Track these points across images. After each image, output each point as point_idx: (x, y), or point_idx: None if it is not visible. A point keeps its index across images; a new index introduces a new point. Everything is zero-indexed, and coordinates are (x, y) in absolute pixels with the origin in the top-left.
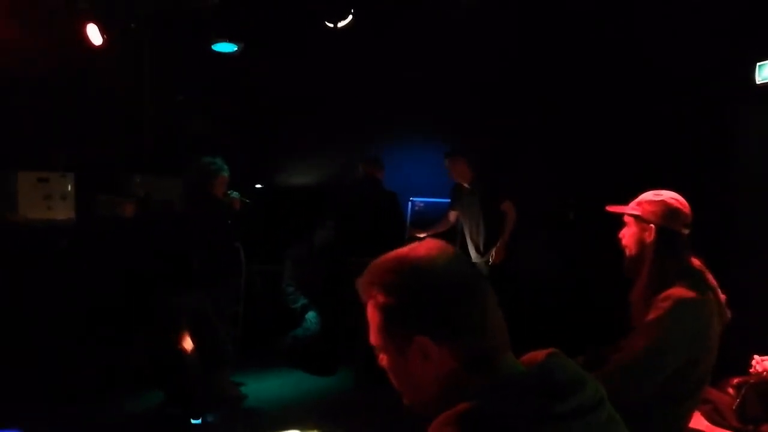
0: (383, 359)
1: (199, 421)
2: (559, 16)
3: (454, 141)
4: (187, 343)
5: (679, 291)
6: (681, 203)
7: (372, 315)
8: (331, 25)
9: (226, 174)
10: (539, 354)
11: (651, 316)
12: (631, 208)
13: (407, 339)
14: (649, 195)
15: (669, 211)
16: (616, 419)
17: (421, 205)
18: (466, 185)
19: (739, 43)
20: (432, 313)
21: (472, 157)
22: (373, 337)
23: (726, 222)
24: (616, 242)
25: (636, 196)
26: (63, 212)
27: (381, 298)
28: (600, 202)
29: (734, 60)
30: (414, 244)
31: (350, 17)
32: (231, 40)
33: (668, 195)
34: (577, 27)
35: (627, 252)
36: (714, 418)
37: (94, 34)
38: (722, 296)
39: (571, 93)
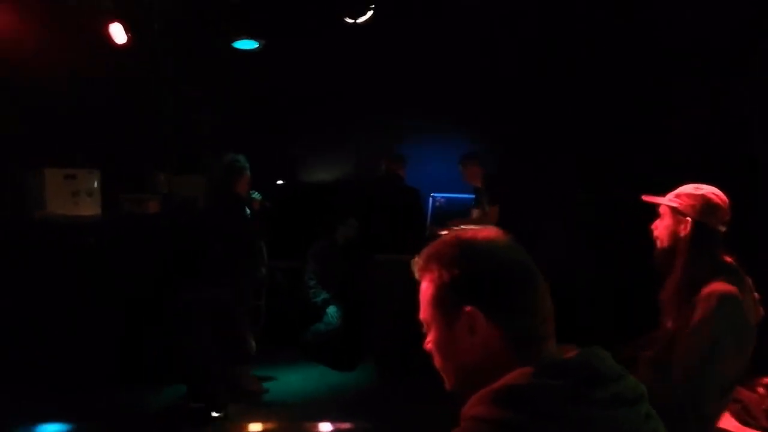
0: (430, 338)
1: (220, 415)
2: (577, 9)
3: (474, 136)
4: (209, 338)
5: (719, 286)
6: (721, 199)
7: (426, 290)
8: (351, 21)
9: (249, 173)
10: (578, 349)
11: (697, 316)
12: (669, 200)
13: (457, 310)
14: (689, 188)
15: (708, 207)
16: (655, 416)
17: (442, 200)
18: (479, 186)
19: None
20: (488, 286)
21: (487, 157)
22: (423, 312)
23: (751, 217)
24: (642, 238)
25: (658, 191)
26: (90, 209)
27: (438, 272)
28: (621, 198)
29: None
30: (472, 228)
31: (370, 12)
32: (252, 37)
33: (708, 190)
34: (595, 20)
35: (659, 244)
36: (743, 417)
37: (118, 32)
38: (756, 294)
39: (591, 86)
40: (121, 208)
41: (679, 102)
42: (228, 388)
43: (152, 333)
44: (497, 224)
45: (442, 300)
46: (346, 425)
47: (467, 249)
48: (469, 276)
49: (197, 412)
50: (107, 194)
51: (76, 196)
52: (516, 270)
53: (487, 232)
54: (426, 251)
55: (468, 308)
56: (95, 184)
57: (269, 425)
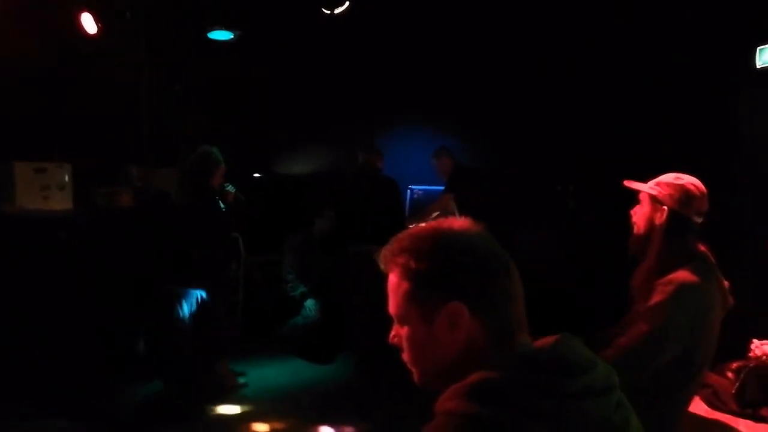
0: (399, 333)
1: (198, 410)
2: (556, 2)
3: (451, 128)
4: (186, 333)
5: (682, 275)
6: (700, 190)
7: (397, 283)
8: (328, 12)
9: (223, 165)
10: (551, 338)
11: (654, 300)
12: (649, 187)
13: (438, 306)
14: (669, 177)
15: (685, 197)
16: (626, 405)
17: (420, 192)
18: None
19: (739, 27)
20: (471, 280)
21: (463, 149)
22: (394, 307)
23: (726, 207)
24: (617, 230)
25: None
26: (61, 203)
27: (413, 264)
28: (599, 189)
29: (734, 44)
30: (442, 219)
31: (347, 3)
32: (227, 28)
33: (688, 180)
34: (575, 13)
35: (635, 229)
36: (713, 401)
37: (88, 22)
38: (725, 282)
39: (569, 80)
40: (93, 202)
41: (658, 96)
42: (206, 384)
43: (128, 328)
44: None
45: (419, 295)
46: (325, 419)
47: (444, 241)
48: (449, 269)
49: (175, 408)
50: (80, 188)
51: (47, 190)
52: (493, 260)
53: (460, 222)
54: (396, 243)
55: (451, 303)
56: (66, 178)
57: (247, 420)
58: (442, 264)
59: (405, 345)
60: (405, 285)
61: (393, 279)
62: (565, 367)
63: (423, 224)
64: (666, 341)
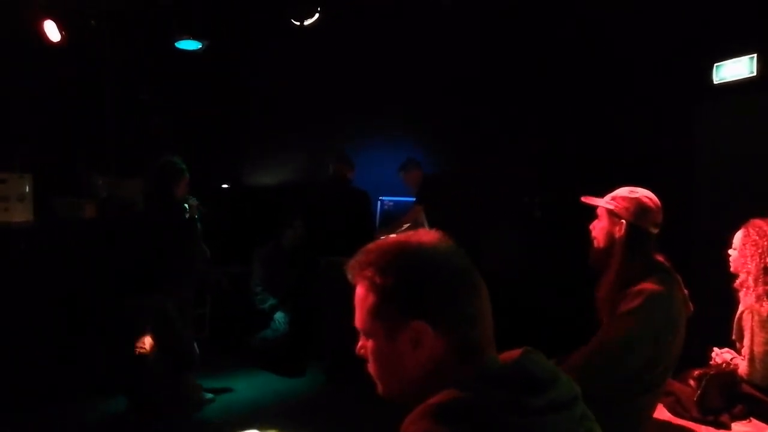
0: (365, 345)
1: (164, 426)
2: (522, 16)
3: (422, 139)
4: (150, 347)
5: (650, 285)
6: (654, 203)
7: (363, 297)
8: (298, 23)
9: (187, 175)
10: (515, 352)
11: (623, 308)
12: (606, 202)
13: (402, 323)
14: (624, 191)
15: (641, 210)
16: (590, 416)
17: (391, 204)
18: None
19: (697, 43)
20: (436, 299)
21: (432, 160)
22: (360, 321)
23: (685, 218)
24: (583, 239)
25: (599, 192)
26: (21, 214)
27: (379, 279)
28: (565, 199)
29: (693, 60)
30: (412, 232)
31: (317, 15)
32: (195, 38)
33: (643, 193)
34: (540, 26)
35: (595, 243)
36: (676, 409)
37: (51, 30)
38: (685, 291)
39: (534, 92)
40: (54, 213)
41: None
42: (171, 399)
43: (90, 342)
44: (429, 226)
45: (384, 311)
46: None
47: (410, 257)
48: (414, 287)
49: (141, 423)
50: (42, 199)
51: (6, 201)
52: (460, 278)
53: (429, 236)
54: (364, 256)
55: (415, 323)
56: (27, 189)
57: None
58: (407, 282)
59: (370, 358)
60: (371, 299)
61: (359, 291)
62: (531, 383)
63: (392, 237)
64: (632, 349)
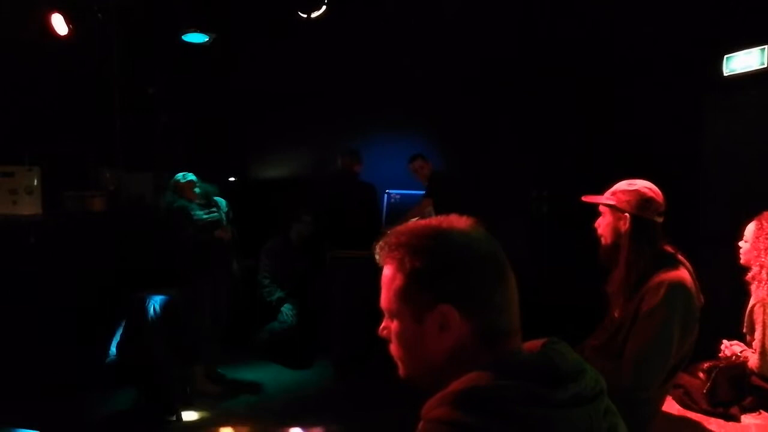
0: (389, 326)
1: (173, 418)
2: (528, 10)
3: (429, 133)
4: (158, 339)
5: (666, 276)
6: (654, 192)
7: (391, 278)
8: (305, 16)
9: (192, 177)
10: (538, 342)
11: (647, 305)
12: (606, 198)
13: (429, 306)
14: (623, 185)
15: (643, 201)
16: (614, 411)
17: (398, 197)
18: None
19: (707, 35)
20: (465, 283)
21: (440, 154)
22: (386, 301)
23: (694, 209)
24: (590, 234)
25: (608, 186)
26: (29, 207)
27: (409, 261)
28: (572, 194)
29: (702, 52)
30: (445, 217)
31: (324, 7)
32: (202, 31)
33: (642, 184)
34: (550, 22)
35: (603, 241)
36: (685, 401)
37: (59, 23)
38: (696, 282)
39: (543, 85)
40: (63, 206)
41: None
42: (181, 391)
43: (100, 335)
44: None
45: (412, 293)
46: (302, 425)
47: (443, 240)
48: (444, 270)
49: (150, 415)
50: (51, 192)
51: (15, 194)
52: (491, 264)
53: (461, 221)
54: (395, 237)
55: (443, 306)
56: (35, 182)
57: (224, 427)
58: (437, 264)
59: (393, 339)
60: (398, 280)
61: (387, 272)
62: (555, 375)
63: (424, 221)
64: (670, 343)
